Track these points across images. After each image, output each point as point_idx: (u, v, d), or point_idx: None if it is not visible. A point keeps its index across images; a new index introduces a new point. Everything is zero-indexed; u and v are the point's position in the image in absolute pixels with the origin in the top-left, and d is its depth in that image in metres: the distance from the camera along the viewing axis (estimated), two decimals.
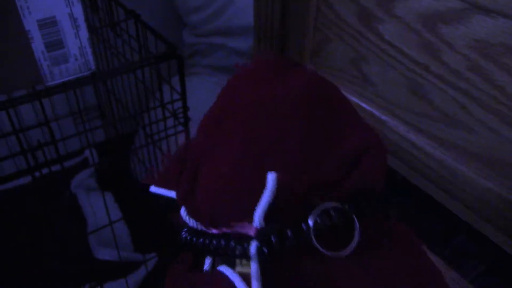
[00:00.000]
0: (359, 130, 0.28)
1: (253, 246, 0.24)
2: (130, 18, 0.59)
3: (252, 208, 0.24)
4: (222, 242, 0.26)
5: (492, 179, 0.41)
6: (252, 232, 0.25)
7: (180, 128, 0.61)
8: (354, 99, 0.52)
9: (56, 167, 0.59)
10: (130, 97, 0.71)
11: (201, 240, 0.27)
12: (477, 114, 0.40)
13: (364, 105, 0.51)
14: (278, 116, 0.27)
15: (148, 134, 0.64)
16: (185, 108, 0.59)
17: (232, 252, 0.25)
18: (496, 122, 0.39)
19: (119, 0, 0.62)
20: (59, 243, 0.73)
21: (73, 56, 0.50)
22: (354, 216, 0.24)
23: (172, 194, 0.29)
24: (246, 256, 0.25)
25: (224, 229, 0.27)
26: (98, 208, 0.81)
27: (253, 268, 0.24)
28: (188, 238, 0.28)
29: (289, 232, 0.24)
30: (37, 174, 0.54)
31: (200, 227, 0.28)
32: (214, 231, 0.27)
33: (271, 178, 0.24)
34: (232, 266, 0.26)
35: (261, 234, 0.24)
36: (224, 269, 0.26)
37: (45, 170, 0.55)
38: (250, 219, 0.25)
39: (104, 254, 0.75)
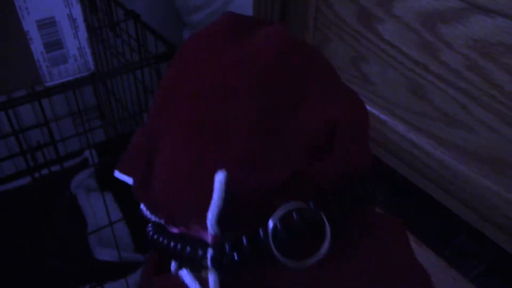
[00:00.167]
0: (324, 104, 0.22)
1: (209, 256, 0.21)
2: (129, 18, 0.59)
3: (205, 209, 0.20)
4: (179, 246, 0.22)
5: (492, 178, 0.41)
6: (208, 238, 0.21)
7: None
8: None
9: (55, 168, 0.58)
10: (129, 97, 0.71)
11: (161, 239, 0.23)
12: (477, 113, 0.40)
13: None
14: (230, 94, 0.22)
15: None
16: None
17: (188, 259, 0.22)
18: (496, 122, 0.39)
19: (119, 0, 0.62)
20: (59, 243, 0.73)
21: (72, 56, 0.50)
22: (324, 218, 0.20)
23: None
24: (202, 265, 0.21)
25: (183, 229, 0.23)
26: (98, 208, 0.80)
27: (211, 279, 0.21)
28: (151, 234, 0.24)
29: (244, 240, 0.20)
30: (36, 174, 0.54)
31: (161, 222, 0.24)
32: (175, 229, 0.24)
33: (218, 179, 0.20)
34: (198, 269, 0.23)
35: (216, 243, 0.21)
36: (184, 274, 0.23)
37: (44, 171, 0.55)
38: (204, 222, 0.21)
39: (104, 254, 0.75)
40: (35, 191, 0.73)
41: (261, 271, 0.21)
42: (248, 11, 0.60)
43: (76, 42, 0.49)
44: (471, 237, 0.49)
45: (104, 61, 0.71)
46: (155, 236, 0.24)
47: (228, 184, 0.20)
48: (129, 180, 0.26)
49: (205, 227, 0.21)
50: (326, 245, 0.20)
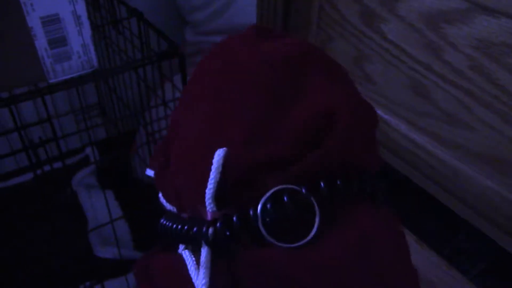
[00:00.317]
0: (324, 93, 0.23)
1: (201, 233, 0.22)
2: (132, 16, 0.59)
3: (205, 188, 0.21)
4: (179, 226, 0.23)
5: (493, 178, 0.41)
6: (208, 217, 0.22)
7: None
8: None
9: (57, 165, 0.59)
10: (131, 95, 0.71)
11: (169, 223, 0.24)
12: (479, 113, 0.40)
13: None
14: (243, 82, 0.24)
15: (149, 132, 0.64)
16: None
17: (189, 238, 0.23)
18: (498, 122, 0.39)
19: None
20: (60, 241, 0.73)
21: (76, 53, 0.50)
22: (314, 202, 0.21)
23: None
24: (199, 242, 0.22)
25: (190, 212, 0.24)
26: (99, 206, 0.81)
27: (202, 254, 0.22)
28: (162, 221, 0.25)
29: (234, 219, 0.21)
30: (38, 171, 0.54)
31: (175, 210, 0.26)
32: (184, 215, 0.25)
33: (217, 155, 0.21)
34: (197, 247, 0.23)
35: (210, 220, 0.22)
36: (184, 252, 0.23)
37: (46, 167, 0.55)
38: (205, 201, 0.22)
39: (105, 252, 0.75)
40: (37, 188, 0.73)
41: (253, 250, 0.21)
42: (251, 10, 0.60)
43: (80, 39, 0.49)
44: (472, 237, 0.50)
45: (106, 58, 0.71)
46: (164, 222, 0.25)
47: (227, 161, 0.21)
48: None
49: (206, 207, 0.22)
50: (314, 229, 0.20)
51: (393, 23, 0.44)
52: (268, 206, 0.21)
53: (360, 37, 0.49)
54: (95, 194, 0.83)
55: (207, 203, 0.22)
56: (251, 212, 0.21)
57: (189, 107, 0.25)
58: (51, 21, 0.47)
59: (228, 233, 0.21)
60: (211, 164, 0.21)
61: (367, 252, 0.20)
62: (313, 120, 0.22)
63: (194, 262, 0.22)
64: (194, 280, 0.22)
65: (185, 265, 0.22)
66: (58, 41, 0.48)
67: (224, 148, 0.21)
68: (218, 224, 0.21)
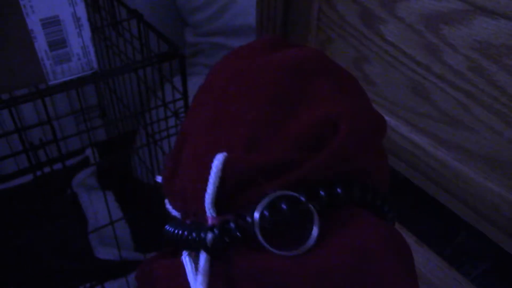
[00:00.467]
0: (329, 102, 0.23)
1: (200, 239, 0.22)
2: (132, 18, 0.59)
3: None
4: (180, 232, 0.23)
5: (494, 179, 0.41)
6: (209, 223, 0.22)
7: None
8: None
9: (57, 166, 0.59)
10: (131, 96, 0.71)
11: (171, 229, 0.24)
12: (479, 114, 0.40)
13: None
14: (249, 87, 0.24)
15: (149, 133, 0.64)
16: (187, 107, 0.59)
17: (190, 243, 0.23)
18: (498, 123, 0.39)
19: None
20: (60, 242, 0.73)
21: (76, 55, 0.50)
22: (313, 210, 0.20)
23: None
24: (198, 248, 0.22)
25: (193, 218, 0.24)
26: (99, 207, 0.81)
27: (200, 261, 0.22)
28: (166, 227, 0.25)
29: (232, 225, 0.21)
30: (38, 173, 0.54)
31: (180, 217, 0.25)
32: (188, 221, 0.25)
33: (216, 159, 0.21)
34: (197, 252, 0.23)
35: (211, 226, 0.22)
36: (184, 258, 0.23)
37: (46, 169, 0.55)
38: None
39: (105, 253, 0.75)
40: (37, 189, 0.73)
41: (251, 256, 0.21)
42: (251, 11, 0.60)
43: (79, 41, 0.49)
44: (472, 238, 0.50)
45: (107, 60, 0.71)
46: (168, 228, 0.25)
47: (226, 166, 0.21)
48: None
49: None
50: (313, 238, 0.20)
51: (393, 24, 0.44)
52: (266, 212, 0.20)
53: (360, 38, 0.49)
54: (95, 195, 0.83)
55: (206, 208, 0.22)
56: (248, 219, 0.21)
57: (196, 113, 0.25)
58: (51, 23, 0.47)
59: (226, 240, 0.21)
60: (211, 168, 0.21)
61: (363, 263, 0.20)
62: (315, 127, 0.22)
63: (194, 268, 0.22)
64: (192, 286, 0.21)
65: (185, 271, 0.22)
66: (58, 43, 0.48)
67: (224, 153, 0.21)
68: (215, 230, 0.21)
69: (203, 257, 0.22)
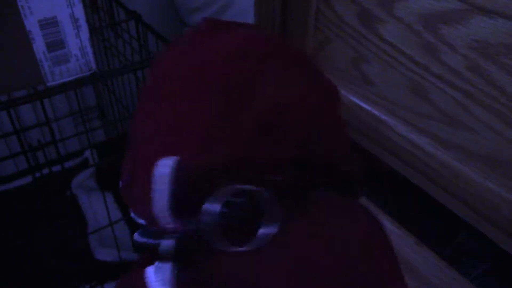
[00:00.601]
0: (275, 89, 0.22)
1: (161, 246, 0.21)
2: (131, 19, 0.59)
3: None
4: (146, 240, 0.23)
5: (493, 179, 0.41)
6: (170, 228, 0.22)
7: None
8: (354, 99, 0.52)
9: (56, 168, 0.59)
10: (130, 97, 0.71)
11: (138, 239, 0.23)
12: (478, 114, 0.40)
13: (364, 105, 0.51)
14: (195, 82, 0.22)
15: None
16: None
17: (152, 251, 0.22)
18: (497, 122, 0.39)
19: (120, 0, 0.62)
20: (60, 243, 0.73)
21: (74, 56, 0.50)
22: (269, 200, 0.20)
23: None
24: (160, 256, 0.21)
25: (158, 225, 0.23)
26: (98, 208, 0.80)
27: (165, 271, 0.21)
28: (135, 237, 0.24)
29: (190, 228, 0.21)
30: (37, 174, 0.54)
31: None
32: (153, 228, 0.24)
33: (166, 164, 0.20)
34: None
35: (170, 232, 0.21)
36: (148, 269, 0.22)
37: (45, 171, 0.55)
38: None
39: (105, 254, 0.75)
40: (36, 191, 0.73)
41: (212, 257, 0.20)
42: (250, 12, 0.60)
43: (78, 41, 0.49)
44: (472, 237, 0.50)
45: (105, 61, 0.71)
46: (135, 235, 0.24)
47: (177, 170, 0.20)
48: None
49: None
50: (274, 231, 0.20)
51: (391, 24, 0.44)
52: (224, 209, 0.20)
53: (358, 38, 0.49)
54: (95, 196, 0.83)
55: (159, 216, 0.21)
56: (205, 220, 0.20)
57: (143, 111, 0.24)
58: (49, 24, 0.47)
59: (183, 245, 0.20)
60: (162, 174, 0.20)
61: (329, 249, 0.20)
62: (263, 120, 0.21)
63: (158, 279, 0.21)
64: None
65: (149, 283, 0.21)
66: (56, 44, 0.48)
67: (174, 157, 0.20)
68: (172, 237, 0.21)
69: (167, 267, 0.21)
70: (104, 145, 0.91)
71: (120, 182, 0.26)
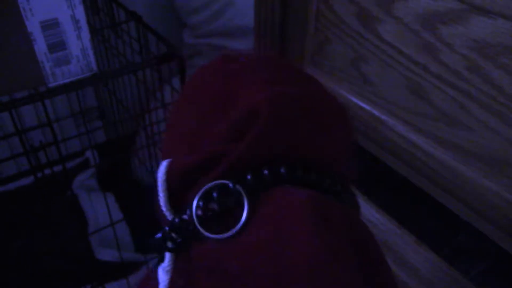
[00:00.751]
0: (253, 93, 0.24)
1: (159, 241, 0.24)
2: (131, 20, 0.59)
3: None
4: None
5: (492, 178, 0.41)
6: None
7: None
8: (353, 99, 0.52)
9: (57, 168, 0.59)
10: (131, 98, 0.72)
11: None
12: (477, 113, 0.40)
13: (363, 105, 0.51)
14: (191, 97, 0.27)
15: (149, 135, 0.64)
16: None
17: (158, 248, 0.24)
18: (496, 122, 0.39)
19: (120, 1, 0.62)
20: (61, 243, 0.73)
21: (75, 57, 0.51)
22: (243, 193, 0.22)
23: None
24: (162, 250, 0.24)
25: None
26: (99, 209, 0.81)
27: (165, 260, 0.23)
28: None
29: (176, 221, 0.23)
30: (39, 174, 0.54)
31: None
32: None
33: (162, 165, 0.23)
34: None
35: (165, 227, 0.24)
36: (160, 266, 0.24)
37: (47, 171, 0.55)
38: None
39: (105, 254, 0.76)
40: (37, 191, 0.74)
41: (199, 247, 0.22)
42: (249, 12, 0.60)
43: (79, 43, 0.50)
44: (471, 237, 0.50)
45: (106, 62, 0.72)
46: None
47: (169, 170, 0.23)
48: None
49: None
50: (243, 218, 0.21)
51: (390, 24, 0.44)
52: (200, 203, 0.22)
53: (357, 38, 0.49)
54: (96, 197, 0.83)
55: (164, 211, 0.23)
56: (188, 213, 0.22)
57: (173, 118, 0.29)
58: (50, 25, 0.47)
59: (174, 236, 0.23)
60: (160, 173, 0.24)
61: (279, 238, 0.21)
62: (238, 119, 0.24)
63: (161, 268, 0.24)
64: (159, 285, 0.23)
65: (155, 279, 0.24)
66: (57, 45, 0.49)
67: (168, 159, 0.24)
68: (166, 229, 0.23)
69: (167, 256, 0.23)
70: (104, 145, 0.91)
71: None
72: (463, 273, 0.46)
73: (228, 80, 0.26)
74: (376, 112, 0.50)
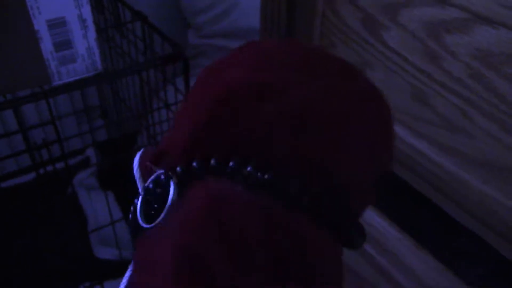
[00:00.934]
0: (229, 75, 0.24)
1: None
2: (136, 19, 0.59)
3: None
4: None
5: (491, 184, 0.42)
6: None
7: None
8: None
9: (59, 165, 0.59)
10: (134, 97, 0.72)
11: None
12: (479, 121, 0.41)
13: None
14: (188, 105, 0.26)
15: (151, 134, 0.64)
16: None
17: None
18: (497, 130, 0.40)
19: (125, 1, 0.62)
20: (60, 241, 0.73)
21: (81, 56, 0.51)
22: (172, 184, 0.21)
23: None
24: None
25: None
26: (99, 207, 0.81)
27: None
28: None
29: (132, 208, 0.23)
30: (41, 170, 0.54)
31: None
32: None
33: (138, 154, 0.25)
34: None
35: None
36: None
37: (49, 168, 0.56)
38: None
39: (105, 253, 0.76)
40: (39, 188, 0.74)
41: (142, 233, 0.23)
42: (255, 13, 0.60)
43: (85, 42, 0.50)
44: (470, 241, 0.50)
45: (110, 61, 0.72)
46: None
47: (140, 159, 0.25)
48: None
49: None
50: (166, 207, 0.21)
51: (395, 31, 0.45)
52: (142, 192, 0.23)
53: (362, 44, 0.49)
54: (96, 195, 0.83)
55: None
56: (136, 202, 0.23)
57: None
58: (57, 24, 0.48)
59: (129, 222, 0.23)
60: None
61: (184, 232, 0.20)
62: (198, 105, 0.24)
63: None
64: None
65: None
66: (63, 44, 0.49)
67: (142, 149, 0.25)
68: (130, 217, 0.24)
69: None
70: (106, 144, 0.92)
71: None
72: (462, 277, 0.47)
73: (222, 65, 0.26)
74: None
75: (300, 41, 0.27)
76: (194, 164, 0.21)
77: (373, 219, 0.53)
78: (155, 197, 0.22)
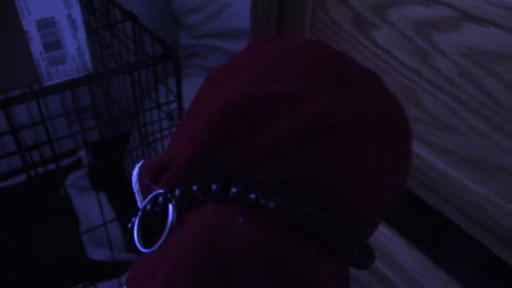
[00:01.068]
0: (233, 86, 0.21)
1: None
2: (127, 20, 0.59)
3: None
4: None
5: (482, 183, 0.42)
6: None
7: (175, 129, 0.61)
8: None
9: (50, 167, 0.59)
10: (125, 98, 0.72)
11: None
12: (468, 119, 0.41)
13: None
14: (191, 115, 0.25)
15: (143, 135, 0.64)
16: (181, 109, 0.59)
17: None
18: (486, 127, 0.40)
19: (116, 1, 0.62)
20: (52, 243, 0.73)
21: (71, 56, 0.51)
22: (170, 204, 0.20)
23: None
24: None
25: None
26: (92, 208, 0.80)
27: None
28: None
29: (129, 225, 0.23)
30: (32, 173, 0.54)
31: None
32: None
33: (137, 166, 0.23)
34: None
35: None
36: None
37: (40, 169, 0.55)
38: None
39: (97, 254, 0.75)
40: (30, 189, 0.73)
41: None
42: (246, 14, 0.60)
43: (75, 42, 0.50)
44: (461, 239, 0.51)
45: (101, 61, 0.72)
46: None
47: (139, 171, 0.23)
48: None
49: None
50: (166, 230, 0.20)
51: (384, 30, 0.45)
52: (140, 213, 0.22)
53: (352, 43, 0.50)
54: (88, 196, 0.83)
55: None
56: (133, 220, 0.22)
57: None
58: (46, 24, 0.47)
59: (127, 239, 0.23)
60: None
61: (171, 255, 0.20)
62: (198, 120, 0.23)
63: None
64: None
65: None
66: (53, 44, 0.49)
67: (142, 161, 0.24)
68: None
69: None
70: (98, 145, 0.91)
71: None
72: (452, 275, 0.47)
73: (230, 67, 0.24)
74: None
75: (300, 41, 0.24)
76: (194, 188, 0.20)
77: None
78: (154, 216, 0.21)
